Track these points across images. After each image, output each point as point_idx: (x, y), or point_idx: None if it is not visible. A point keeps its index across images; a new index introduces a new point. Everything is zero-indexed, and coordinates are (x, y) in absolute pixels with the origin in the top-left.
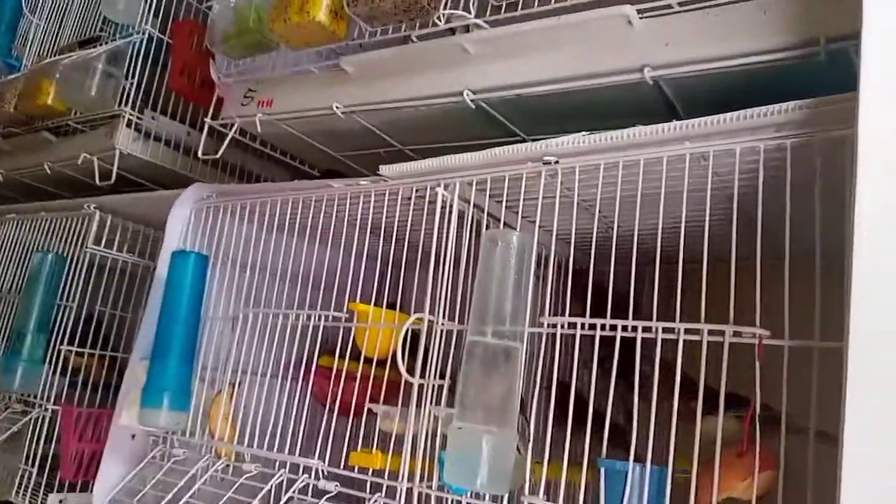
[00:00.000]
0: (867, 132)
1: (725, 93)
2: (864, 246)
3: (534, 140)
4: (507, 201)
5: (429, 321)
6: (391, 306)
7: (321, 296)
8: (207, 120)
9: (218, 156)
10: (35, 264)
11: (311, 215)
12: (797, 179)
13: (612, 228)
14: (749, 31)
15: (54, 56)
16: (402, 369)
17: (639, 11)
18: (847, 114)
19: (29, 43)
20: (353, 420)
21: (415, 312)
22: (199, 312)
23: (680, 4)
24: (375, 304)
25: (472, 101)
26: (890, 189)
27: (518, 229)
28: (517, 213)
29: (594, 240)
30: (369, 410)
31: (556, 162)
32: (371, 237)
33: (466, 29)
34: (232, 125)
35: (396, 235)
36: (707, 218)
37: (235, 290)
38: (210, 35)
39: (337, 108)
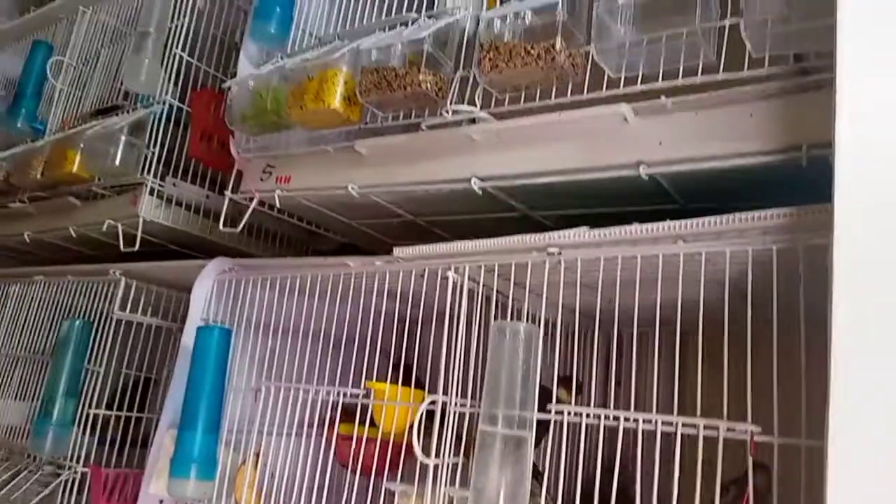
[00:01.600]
0: (841, 244)
1: (720, 184)
2: (840, 355)
3: (539, 215)
4: (514, 280)
5: (443, 402)
6: (408, 369)
7: (342, 354)
8: (228, 193)
9: (238, 230)
10: (63, 331)
11: (329, 287)
12: (785, 277)
13: (615, 303)
14: (737, 133)
15: (78, 121)
16: (418, 450)
17: (634, 110)
18: (827, 222)
19: (53, 107)
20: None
21: (430, 385)
22: (223, 383)
23: (673, 104)
24: (394, 364)
25: (479, 188)
26: (864, 299)
27: (526, 303)
28: (525, 287)
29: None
30: (387, 490)
31: (559, 253)
32: (388, 300)
33: (473, 119)
34: (251, 198)
35: (412, 302)
36: (701, 307)
37: (258, 356)
38: (229, 114)
39: (353, 188)
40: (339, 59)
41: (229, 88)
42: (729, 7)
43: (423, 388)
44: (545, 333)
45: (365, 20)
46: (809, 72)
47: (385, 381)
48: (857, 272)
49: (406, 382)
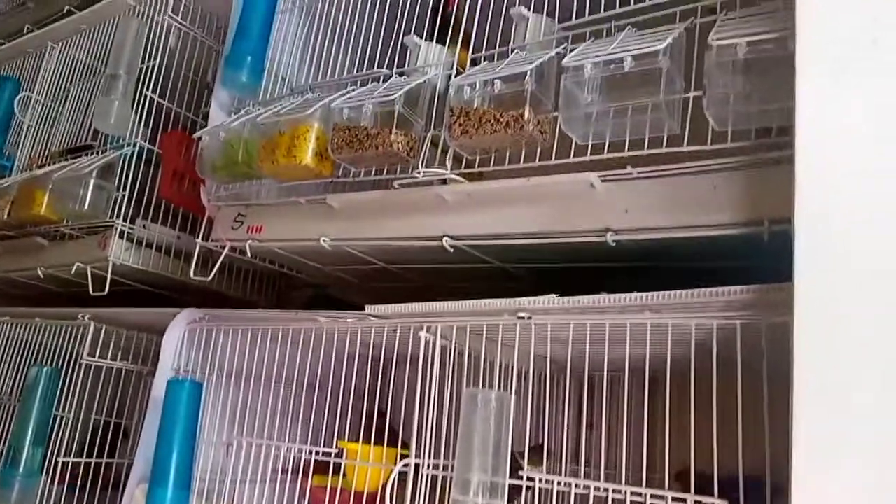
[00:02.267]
0: (802, 323)
1: (690, 247)
2: (802, 445)
3: (511, 267)
4: (486, 336)
5: (415, 464)
6: (382, 416)
7: (315, 400)
8: (198, 241)
9: (209, 279)
10: (31, 378)
11: (301, 339)
12: (749, 350)
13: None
14: (701, 205)
15: (47, 160)
16: None
17: (602, 177)
18: (787, 301)
19: (21, 143)
20: None
21: (404, 437)
22: (195, 437)
23: (638, 174)
24: (367, 416)
25: (450, 246)
26: (825, 378)
27: (498, 354)
28: (497, 342)
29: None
30: None
31: (530, 318)
32: (361, 346)
33: (444, 179)
34: (223, 246)
35: (385, 349)
36: (669, 362)
37: (230, 405)
38: (200, 164)
39: (324, 241)
40: (311, 116)
41: (200, 138)
42: (693, 80)
43: (397, 436)
44: (518, 380)
45: (339, 66)
46: (771, 147)
47: (359, 429)
48: (818, 352)
49: (380, 434)
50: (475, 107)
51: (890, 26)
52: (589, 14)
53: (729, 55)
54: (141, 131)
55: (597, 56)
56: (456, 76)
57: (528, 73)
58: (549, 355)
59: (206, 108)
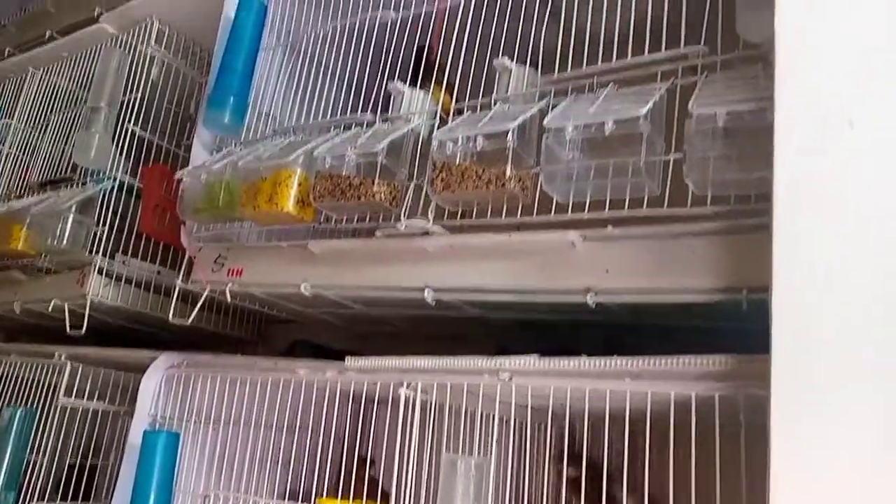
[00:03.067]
0: (779, 396)
1: (669, 310)
2: None
3: (494, 316)
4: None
5: None
6: (363, 463)
7: (295, 444)
8: (178, 282)
9: (188, 322)
10: (4, 420)
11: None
12: (728, 419)
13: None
14: (680, 269)
15: (25, 190)
16: None
17: (582, 236)
18: (764, 373)
19: None
20: None
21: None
22: (171, 487)
23: (619, 234)
24: (346, 471)
25: (432, 298)
26: (803, 452)
27: (479, 405)
28: (478, 395)
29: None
30: None
31: (510, 378)
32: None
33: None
34: (203, 288)
35: (365, 396)
36: (648, 416)
37: (209, 451)
38: (181, 206)
39: (305, 287)
40: (294, 162)
41: (181, 179)
42: (674, 142)
43: (377, 486)
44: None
45: (323, 106)
46: (750, 214)
47: (340, 477)
48: (794, 425)
49: (362, 482)
50: (457, 162)
51: (866, 110)
52: (572, 67)
53: (709, 123)
54: (122, 164)
55: (578, 118)
56: (440, 123)
57: (511, 132)
58: (529, 405)
59: (189, 140)
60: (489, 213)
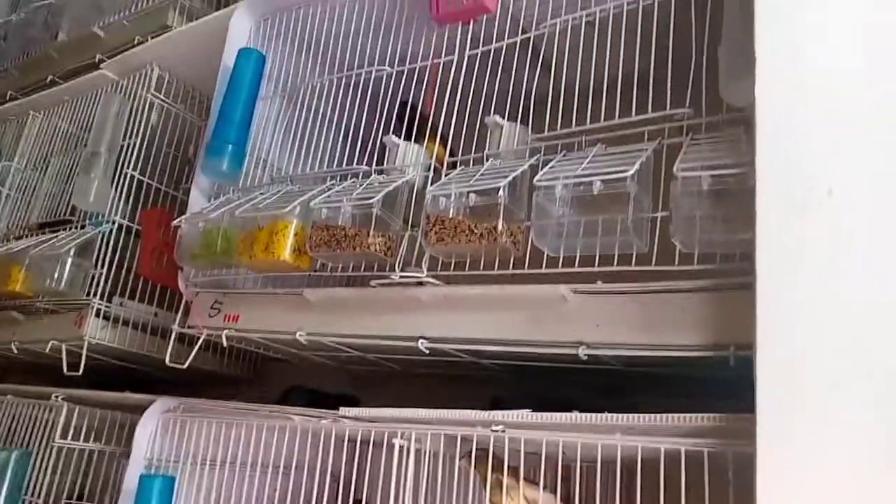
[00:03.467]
0: (764, 455)
1: (661, 361)
2: None
3: (490, 363)
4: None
5: None
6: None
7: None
8: (175, 327)
9: (185, 366)
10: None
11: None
12: (718, 476)
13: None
14: (668, 325)
15: (24, 231)
16: None
17: (573, 290)
18: (750, 431)
19: None
20: None
21: None
22: None
23: (609, 290)
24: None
25: (426, 348)
26: None
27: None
28: (471, 441)
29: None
30: None
31: (503, 431)
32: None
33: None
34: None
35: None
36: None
37: (204, 495)
38: (178, 252)
39: (300, 335)
40: (290, 213)
41: (179, 226)
42: (661, 200)
43: None
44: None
45: (320, 154)
46: (735, 272)
47: None
48: (780, 484)
49: None
50: (451, 216)
51: (844, 179)
52: (562, 124)
53: (694, 186)
54: (120, 208)
55: (567, 177)
56: (434, 174)
57: (502, 188)
58: (522, 450)
59: (188, 183)
60: (482, 265)
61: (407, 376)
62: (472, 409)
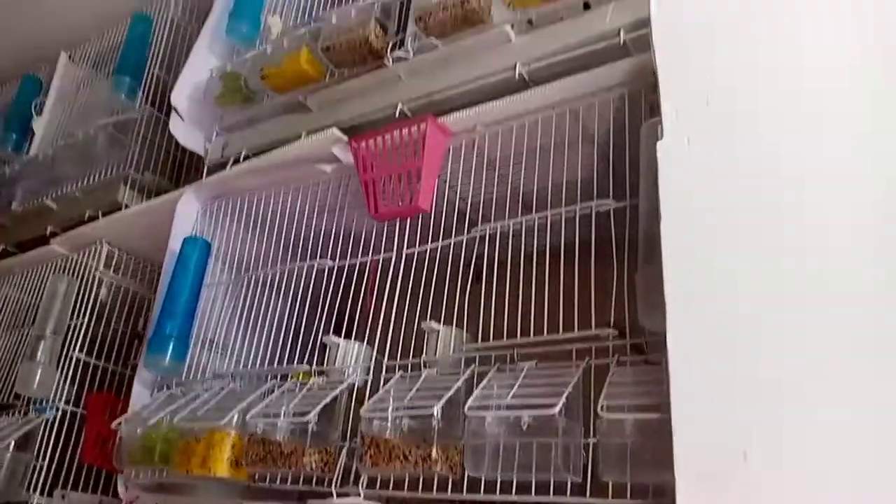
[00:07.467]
0: None
1: None
2: None
3: None
4: None
5: None
6: None
7: None
8: None
9: None
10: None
11: None
12: None
13: None
14: None
15: None
16: None
17: None
18: None
19: None
20: None
21: None
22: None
23: None
24: None
25: None
26: None
27: None
28: None
29: None
30: None
31: None
32: None
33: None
34: None
35: None
36: None
37: None
38: (117, 457)
39: None
40: (227, 424)
41: (119, 424)
42: (592, 427)
43: None
44: None
45: (261, 350)
46: None
47: None
48: None
49: None
50: (387, 436)
51: (759, 443)
52: (494, 336)
53: (617, 430)
54: (65, 392)
55: (498, 407)
56: (375, 368)
57: (436, 411)
58: None
59: (136, 360)
60: (420, 488)
61: None
62: None
